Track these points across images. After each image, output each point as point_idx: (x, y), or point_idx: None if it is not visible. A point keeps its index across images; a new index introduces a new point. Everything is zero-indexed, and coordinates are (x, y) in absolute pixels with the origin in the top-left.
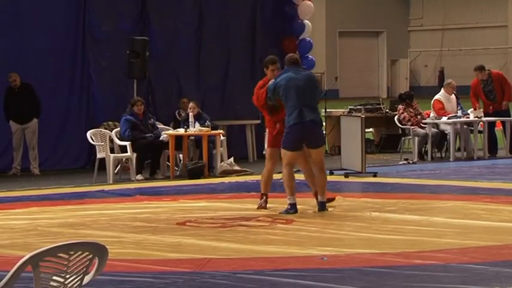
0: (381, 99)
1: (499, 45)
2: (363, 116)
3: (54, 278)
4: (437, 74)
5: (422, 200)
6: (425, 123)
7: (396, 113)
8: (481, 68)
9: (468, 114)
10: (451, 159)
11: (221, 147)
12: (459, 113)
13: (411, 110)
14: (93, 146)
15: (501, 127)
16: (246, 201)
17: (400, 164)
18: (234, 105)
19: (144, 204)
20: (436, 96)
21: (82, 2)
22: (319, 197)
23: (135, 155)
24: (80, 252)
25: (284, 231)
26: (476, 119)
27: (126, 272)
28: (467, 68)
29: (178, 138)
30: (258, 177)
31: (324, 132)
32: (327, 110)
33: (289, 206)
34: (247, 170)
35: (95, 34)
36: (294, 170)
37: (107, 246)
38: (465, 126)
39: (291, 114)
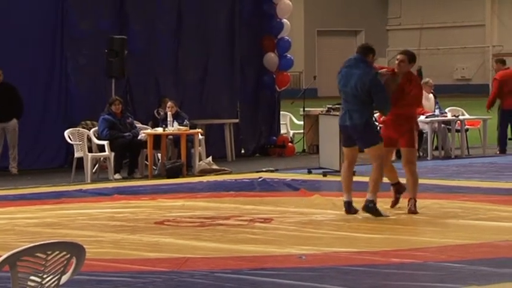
0: None
1: (476, 45)
2: None
3: (32, 277)
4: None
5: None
6: None
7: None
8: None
9: (445, 113)
10: (428, 158)
11: (199, 146)
12: (437, 112)
13: None
14: (71, 145)
15: (479, 126)
16: (225, 201)
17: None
18: (212, 104)
19: (122, 204)
20: None
21: (60, 1)
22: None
23: (113, 154)
24: (58, 252)
25: (263, 230)
26: (453, 117)
27: (104, 271)
28: (445, 67)
29: (157, 138)
30: (236, 176)
31: (302, 131)
32: (306, 109)
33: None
34: (226, 169)
35: (73, 33)
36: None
37: (85, 246)
38: (443, 125)
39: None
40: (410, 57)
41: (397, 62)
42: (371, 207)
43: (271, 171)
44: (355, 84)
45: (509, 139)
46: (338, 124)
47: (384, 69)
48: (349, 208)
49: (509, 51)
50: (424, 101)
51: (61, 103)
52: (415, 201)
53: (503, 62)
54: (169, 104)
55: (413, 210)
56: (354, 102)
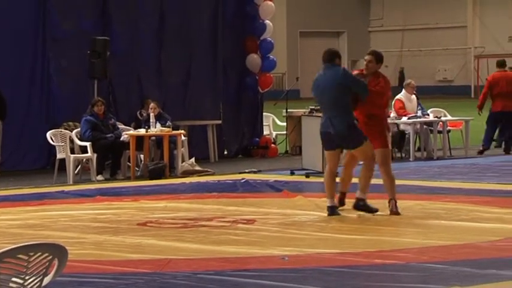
0: None
1: (458, 46)
2: None
3: (14, 279)
4: (397, 75)
5: (382, 200)
6: None
7: None
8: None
9: (428, 114)
10: (411, 159)
11: (182, 147)
12: (419, 113)
13: None
14: (53, 147)
15: (461, 127)
16: (208, 202)
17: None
18: (195, 105)
19: (105, 205)
20: (397, 96)
21: (42, 1)
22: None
23: (95, 155)
24: (40, 254)
25: (245, 231)
26: (435, 119)
27: (87, 273)
28: (427, 68)
29: (139, 139)
30: (219, 178)
31: (285, 132)
32: (288, 110)
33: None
34: (209, 170)
35: (56, 34)
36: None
37: (67, 247)
38: (425, 126)
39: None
40: (377, 57)
41: (365, 62)
42: (362, 205)
43: (254, 172)
44: (331, 89)
45: (493, 140)
46: (319, 131)
47: (355, 72)
48: (333, 212)
49: (491, 53)
50: (406, 102)
51: (43, 104)
52: (395, 201)
53: (500, 65)
54: (152, 105)
55: (395, 211)
56: (332, 108)
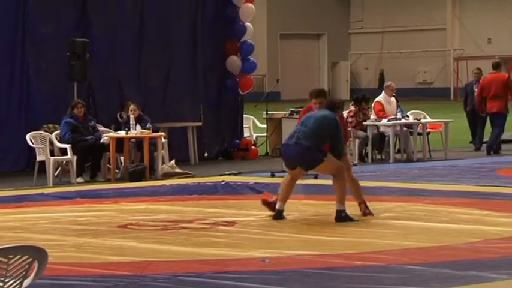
0: None
1: (438, 48)
2: None
3: None
4: (377, 77)
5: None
6: (366, 125)
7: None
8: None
9: (408, 116)
10: (391, 161)
11: (162, 149)
12: (399, 115)
13: (361, 115)
14: (33, 149)
15: (441, 129)
16: (188, 204)
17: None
18: (175, 107)
19: (85, 207)
20: (377, 98)
21: (22, 4)
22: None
23: (75, 157)
24: (19, 256)
25: (226, 233)
26: (415, 121)
27: (67, 275)
28: (407, 70)
29: (119, 141)
30: (199, 180)
31: (265, 134)
32: (269, 112)
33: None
34: (189, 172)
35: (35, 36)
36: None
37: (47, 250)
38: (405, 129)
39: None
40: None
41: (314, 105)
42: (343, 217)
43: (235, 174)
44: (317, 121)
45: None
46: (283, 142)
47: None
48: (279, 216)
49: (470, 55)
50: (386, 105)
51: (23, 106)
52: (365, 203)
53: (495, 67)
54: (132, 106)
55: (368, 212)
56: (306, 136)
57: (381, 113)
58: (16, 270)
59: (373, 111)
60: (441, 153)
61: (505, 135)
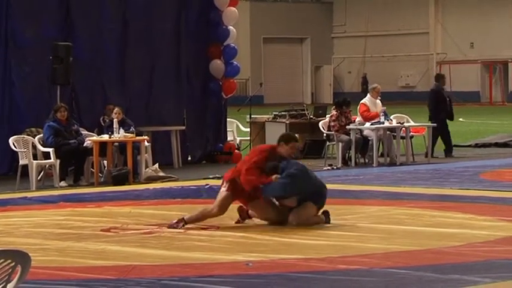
0: (305, 105)
1: (420, 52)
2: (288, 122)
3: None
4: (360, 80)
5: (346, 206)
6: (349, 129)
7: (321, 118)
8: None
9: (391, 120)
10: (374, 165)
11: (146, 153)
12: (382, 118)
13: (343, 119)
14: (16, 153)
15: (424, 133)
16: (171, 208)
17: (324, 170)
18: (159, 111)
19: (68, 211)
20: (362, 100)
21: (4, 8)
22: None
23: (58, 161)
24: (2, 260)
25: (210, 237)
26: (398, 124)
27: (50, 279)
28: (390, 74)
29: (103, 145)
30: (183, 183)
31: (249, 138)
32: (252, 116)
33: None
34: (172, 176)
35: (18, 40)
36: None
37: (30, 254)
38: (388, 132)
39: None
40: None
41: (292, 149)
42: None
43: (218, 178)
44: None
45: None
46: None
47: None
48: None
49: (453, 59)
50: (371, 106)
51: (5, 110)
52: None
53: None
54: (116, 110)
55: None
56: None
57: (366, 113)
58: None
59: (358, 113)
60: (424, 157)
61: (495, 138)
